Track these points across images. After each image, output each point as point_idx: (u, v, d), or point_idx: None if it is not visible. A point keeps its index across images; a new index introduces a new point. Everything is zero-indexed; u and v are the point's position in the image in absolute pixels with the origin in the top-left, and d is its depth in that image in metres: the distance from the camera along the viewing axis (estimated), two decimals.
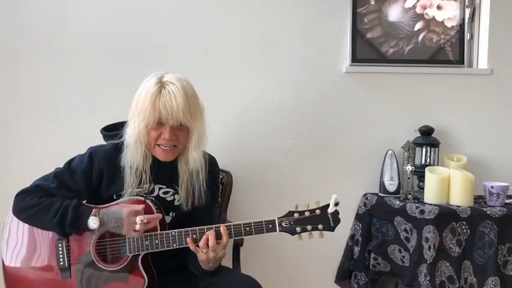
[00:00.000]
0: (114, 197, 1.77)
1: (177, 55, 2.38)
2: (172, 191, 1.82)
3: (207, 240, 1.65)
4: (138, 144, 1.69)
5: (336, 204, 1.68)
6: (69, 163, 1.79)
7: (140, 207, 1.67)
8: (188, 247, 1.68)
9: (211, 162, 1.86)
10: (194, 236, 1.68)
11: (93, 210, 1.67)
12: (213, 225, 1.68)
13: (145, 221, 1.63)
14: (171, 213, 1.82)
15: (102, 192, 1.78)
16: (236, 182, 2.31)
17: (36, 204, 1.70)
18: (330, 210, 1.69)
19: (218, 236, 1.66)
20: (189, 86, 1.72)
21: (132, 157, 1.71)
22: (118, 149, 1.76)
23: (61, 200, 1.70)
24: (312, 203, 1.71)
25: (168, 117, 1.65)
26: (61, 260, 1.73)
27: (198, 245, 1.66)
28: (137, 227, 1.63)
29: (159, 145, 1.71)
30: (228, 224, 1.69)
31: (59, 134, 2.35)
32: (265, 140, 2.45)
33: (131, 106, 1.73)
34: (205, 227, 1.68)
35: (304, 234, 1.69)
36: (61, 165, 1.80)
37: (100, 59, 2.36)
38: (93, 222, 1.65)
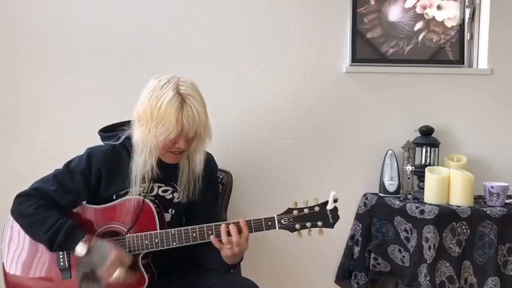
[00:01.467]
0: (114, 197, 1.77)
1: (177, 56, 2.38)
2: (172, 189, 1.82)
3: (228, 234, 1.65)
4: (152, 152, 1.70)
5: (335, 200, 1.69)
6: (68, 164, 1.80)
7: (129, 259, 1.66)
8: (194, 246, 1.69)
9: (208, 159, 1.87)
10: (194, 234, 1.68)
11: (85, 237, 1.66)
12: (213, 223, 1.69)
13: (120, 279, 1.63)
14: (170, 210, 1.83)
15: (101, 192, 1.78)
16: (236, 182, 2.30)
17: (32, 214, 1.69)
18: (329, 206, 1.69)
19: (238, 230, 1.66)
20: (200, 92, 1.74)
21: (144, 163, 1.71)
22: (116, 149, 1.78)
23: (58, 216, 1.69)
24: (311, 200, 1.71)
25: (189, 130, 1.67)
26: (61, 260, 1.73)
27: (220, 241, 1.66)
28: (114, 276, 1.62)
29: (171, 151, 1.74)
30: (228, 222, 1.69)
31: (58, 134, 2.35)
32: (265, 140, 2.45)
33: (139, 109, 1.71)
34: (204, 225, 1.69)
35: (304, 231, 1.69)
36: (61, 166, 1.81)
37: (100, 59, 2.36)
38: (80, 249, 1.65)
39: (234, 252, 1.66)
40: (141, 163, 1.72)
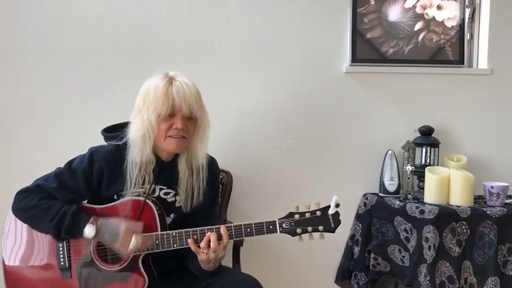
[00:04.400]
0: (115, 197, 1.77)
1: (177, 56, 2.38)
2: (173, 192, 1.81)
3: (208, 241, 1.65)
4: (146, 138, 1.70)
5: (337, 205, 1.68)
6: (69, 163, 1.79)
7: (139, 225, 1.67)
8: (188, 247, 1.68)
9: (211, 162, 1.87)
10: (195, 236, 1.68)
11: (92, 218, 1.67)
12: (214, 226, 1.69)
13: (139, 244, 1.64)
14: (171, 215, 1.82)
15: (102, 192, 1.77)
16: (236, 182, 2.31)
17: (35, 206, 1.69)
18: (331, 211, 1.69)
19: (218, 237, 1.66)
20: (194, 82, 1.76)
21: (141, 151, 1.71)
22: (119, 149, 1.77)
23: (61, 203, 1.70)
24: (313, 204, 1.71)
25: (181, 104, 1.67)
26: (61, 260, 1.73)
27: (199, 246, 1.66)
28: (131, 245, 1.63)
29: (170, 136, 1.72)
30: (229, 225, 1.69)
31: (59, 134, 2.35)
32: (265, 140, 2.45)
33: (134, 106, 1.74)
34: (205, 227, 1.68)
35: (305, 236, 1.69)
36: (60, 165, 1.80)
37: (100, 59, 2.36)
38: (89, 231, 1.65)
39: (209, 258, 1.66)
40: (138, 149, 1.71)
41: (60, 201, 1.71)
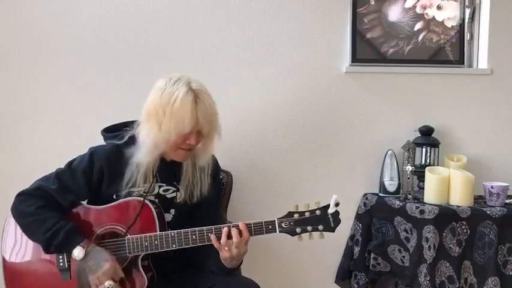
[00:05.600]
0: (114, 197, 1.77)
1: (177, 56, 2.38)
2: (173, 188, 1.82)
3: (228, 235, 1.65)
4: (158, 145, 1.70)
5: (337, 204, 1.68)
6: (70, 163, 1.79)
7: (120, 274, 1.66)
8: (196, 248, 1.69)
9: (212, 160, 1.88)
10: (194, 236, 1.68)
11: (84, 242, 1.66)
12: (213, 226, 1.68)
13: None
14: (171, 211, 1.82)
15: (102, 191, 1.78)
16: (236, 182, 2.31)
17: (33, 214, 1.69)
18: (330, 210, 1.68)
19: (239, 233, 1.66)
20: (210, 93, 1.77)
21: (148, 155, 1.72)
22: (119, 149, 1.77)
23: (58, 217, 1.68)
24: (312, 203, 1.71)
25: (204, 124, 1.69)
26: (61, 261, 1.72)
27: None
28: (101, 286, 1.62)
29: (181, 148, 1.73)
30: (228, 224, 1.69)
31: (59, 134, 2.35)
32: (265, 140, 2.45)
33: (150, 107, 1.71)
34: (204, 228, 1.68)
35: (305, 235, 1.68)
36: (60, 165, 1.80)
37: (100, 59, 2.35)
38: (77, 253, 1.64)
39: (232, 254, 1.66)
40: (144, 155, 1.71)
41: (57, 214, 1.70)
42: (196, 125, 1.68)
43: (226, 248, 1.65)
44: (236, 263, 1.72)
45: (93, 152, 1.79)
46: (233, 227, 1.67)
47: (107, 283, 1.62)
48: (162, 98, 1.69)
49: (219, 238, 1.66)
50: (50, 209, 1.71)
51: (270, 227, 1.68)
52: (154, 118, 1.69)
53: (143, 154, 1.72)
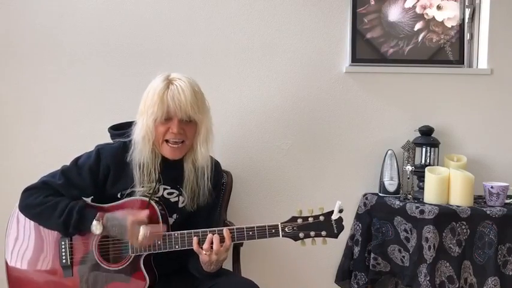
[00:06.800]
0: (119, 196, 1.77)
1: (177, 56, 2.38)
2: (177, 192, 1.82)
3: (211, 242, 1.65)
4: (146, 140, 1.72)
5: (340, 211, 1.68)
6: (76, 160, 1.80)
7: (144, 214, 1.66)
8: (189, 249, 1.68)
9: (216, 165, 1.88)
10: (197, 238, 1.68)
11: (98, 215, 1.67)
12: (216, 228, 1.69)
13: (147, 234, 1.63)
14: (174, 215, 1.82)
15: (107, 189, 1.78)
16: (236, 182, 2.31)
17: (42, 203, 1.70)
18: (334, 216, 1.69)
19: (221, 239, 1.66)
20: (195, 83, 1.77)
21: (141, 152, 1.73)
22: (125, 147, 1.77)
23: (67, 200, 1.70)
24: (316, 208, 1.71)
25: (176, 109, 1.68)
26: (63, 258, 1.73)
27: (201, 247, 1.66)
28: (140, 236, 1.63)
29: (167, 141, 1.73)
30: (231, 227, 1.69)
31: (60, 134, 2.35)
32: (265, 140, 2.45)
33: (139, 106, 1.75)
34: (208, 229, 1.69)
35: (307, 240, 1.69)
36: (61, 165, 1.80)
37: (100, 59, 2.35)
38: (95, 227, 1.65)
39: (211, 259, 1.66)
40: (138, 150, 1.72)
41: (66, 198, 1.71)
42: (168, 110, 1.68)
43: (207, 253, 1.66)
44: (214, 268, 1.71)
45: (100, 149, 1.79)
46: (217, 232, 1.67)
47: (141, 232, 1.62)
48: (144, 93, 1.74)
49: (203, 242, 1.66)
50: (57, 196, 1.72)
51: (273, 231, 1.69)
52: (140, 114, 1.74)
53: (138, 150, 1.73)
